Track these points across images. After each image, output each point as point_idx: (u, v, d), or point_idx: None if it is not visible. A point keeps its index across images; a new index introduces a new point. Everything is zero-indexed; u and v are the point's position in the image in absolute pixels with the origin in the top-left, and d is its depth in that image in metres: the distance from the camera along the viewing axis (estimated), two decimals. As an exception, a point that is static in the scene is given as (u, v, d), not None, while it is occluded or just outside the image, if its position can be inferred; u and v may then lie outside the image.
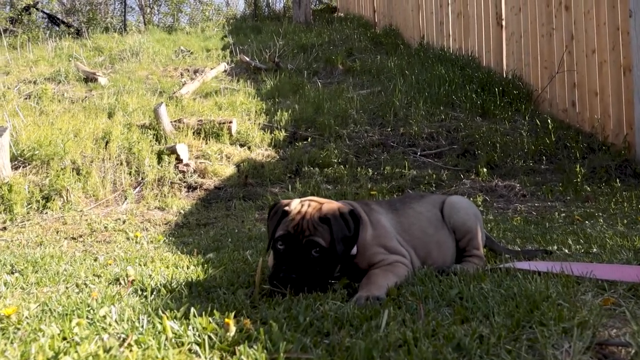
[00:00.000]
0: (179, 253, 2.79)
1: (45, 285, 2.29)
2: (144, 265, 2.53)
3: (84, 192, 5.58)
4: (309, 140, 6.96)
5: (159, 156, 6.09)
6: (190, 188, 5.79)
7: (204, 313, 1.37)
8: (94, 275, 2.35)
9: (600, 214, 3.91)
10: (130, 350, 1.11)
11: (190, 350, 1.17)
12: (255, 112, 7.81)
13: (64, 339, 1.28)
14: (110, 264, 2.62)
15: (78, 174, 5.77)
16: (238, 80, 9.46)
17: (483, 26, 8.77)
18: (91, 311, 1.50)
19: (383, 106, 7.73)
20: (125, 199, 5.54)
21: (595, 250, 2.38)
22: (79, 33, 14.18)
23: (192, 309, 1.37)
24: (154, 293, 1.81)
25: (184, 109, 7.83)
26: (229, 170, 6.15)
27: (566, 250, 2.45)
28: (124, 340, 1.16)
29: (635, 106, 5.78)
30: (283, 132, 7.10)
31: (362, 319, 1.37)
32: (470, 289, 1.56)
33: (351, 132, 7.07)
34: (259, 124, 7.37)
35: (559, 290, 1.50)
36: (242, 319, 1.31)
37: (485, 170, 5.85)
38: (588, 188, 5.21)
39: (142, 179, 5.85)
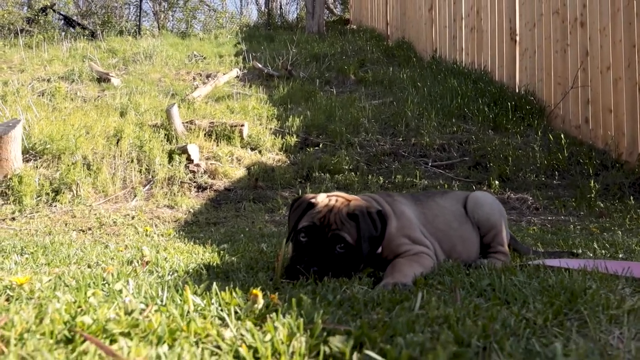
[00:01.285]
0: (192, 244, 2.74)
1: (56, 266, 2.26)
2: (157, 253, 2.49)
3: (93, 187, 5.57)
4: (320, 146, 6.94)
5: (170, 155, 6.08)
6: (200, 188, 5.77)
7: (226, 289, 1.31)
8: (106, 258, 2.30)
9: (616, 228, 3.86)
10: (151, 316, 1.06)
11: (214, 321, 1.11)
12: (267, 117, 7.81)
13: (79, 307, 1.24)
14: (121, 251, 2.58)
15: (88, 169, 5.76)
16: (250, 86, 9.49)
17: (497, 41, 8.78)
18: (106, 285, 1.46)
19: (395, 116, 7.72)
20: (135, 196, 5.52)
21: (621, 255, 2.32)
22: (93, 35, 14.29)
23: (214, 285, 1.31)
24: (171, 273, 1.76)
25: (195, 112, 7.84)
26: (239, 172, 6.13)
27: (591, 254, 2.39)
28: (142, 310, 1.11)
29: (650, 124, 5.74)
30: (294, 137, 7.08)
31: (393, 301, 1.32)
32: (501, 280, 1.51)
33: (362, 141, 7.05)
34: (271, 128, 7.36)
35: (597, 284, 1.44)
36: (269, 294, 1.24)
37: (497, 182, 5.80)
38: (601, 204, 5.16)
39: (152, 177, 5.83)
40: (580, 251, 2.49)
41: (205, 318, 1.14)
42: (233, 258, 2.09)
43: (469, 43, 9.73)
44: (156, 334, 0.94)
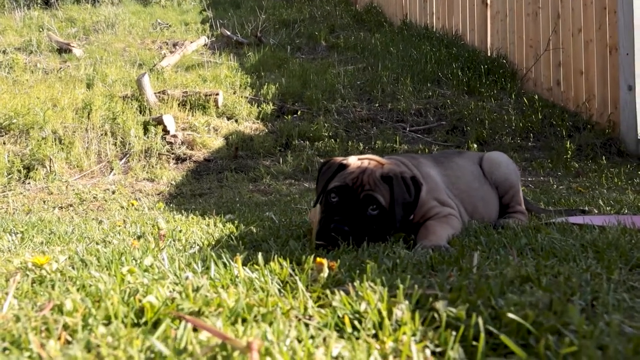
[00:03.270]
0: (192, 215, 2.69)
1: (56, 244, 2.17)
2: (167, 225, 2.41)
3: (67, 162, 5.38)
4: (298, 113, 6.87)
5: (145, 127, 5.91)
6: (179, 160, 5.65)
7: (274, 259, 1.26)
8: (111, 233, 2.22)
9: (597, 187, 3.98)
10: (226, 290, 1.00)
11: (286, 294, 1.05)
12: (240, 85, 7.66)
13: (128, 286, 1.18)
14: (120, 226, 2.50)
15: (60, 143, 5.55)
16: (220, 54, 9.25)
17: (468, 5, 8.77)
18: (134, 261, 1.40)
19: (370, 82, 7.68)
20: (112, 170, 5.36)
21: (626, 211, 2.39)
22: (47, 3, 13.56)
23: (260, 256, 1.24)
24: (192, 246, 1.71)
25: (166, 82, 7.61)
26: (217, 142, 6.02)
27: (596, 211, 2.46)
28: (186, 278, 1.07)
29: (620, 85, 5.88)
30: (270, 105, 6.98)
31: (447, 263, 1.29)
32: (538, 239, 1.52)
33: (339, 107, 7.01)
34: (246, 97, 7.23)
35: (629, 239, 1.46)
36: (327, 261, 1.16)
37: (475, 146, 5.89)
38: (576, 164, 5.31)
39: (128, 150, 5.67)
40: (586, 208, 2.56)
41: (261, 291, 1.08)
42: (252, 228, 2.04)
43: (439, 7, 9.69)
44: (234, 311, 0.89)
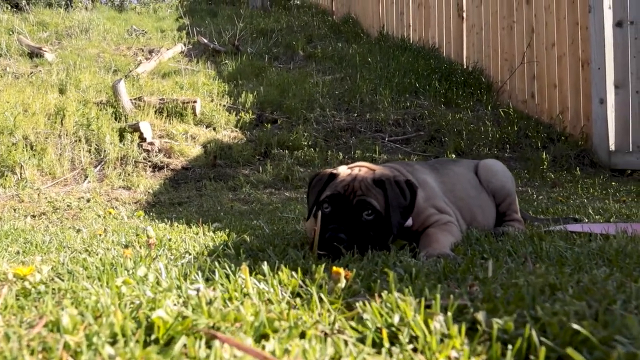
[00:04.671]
0: (177, 224, 2.61)
1: (34, 254, 2.08)
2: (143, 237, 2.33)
3: (39, 169, 5.21)
4: (279, 122, 6.83)
5: (121, 134, 5.78)
6: (156, 168, 5.53)
7: (281, 269, 1.21)
8: (93, 243, 2.13)
9: (575, 197, 4.05)
10: (241, 303, 0.93)
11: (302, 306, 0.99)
12: (218, 93, 7.58)
13: (125, 299, 1.10)
14: (101, 234, 2.41)
15: (32, 149, 5.38)
16: (197, 62, 9.15)
17: (444, 17, 8.90)
18: (126, 271, 1.33)
19: (348, 92, 7.71)
20: (86, 178, 5.21)
21: (614, 219, 2.42)
22: (17, 7, 13.23)
23: (266, 266, 1.19)
24: (187, 256, 1.64)
25: (142, 88, 7.48)
26: (195, 150, 5.93)
27: (586, 220, 2.48)
28: (197, 291, 1.01)
29: (592, 99, 6.03)
30: (249, 114, 6.92)
31: (462, 271, 1.25)
32: (542, 247, 1.51)
33: (318, 116, 7.00)
34: (224, 105, 7.16)
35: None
36: (345, 271, 1.10)
37: (453, 156, 5.94)
38: (552, 175, 5.41)
39: (103, 157, 5.53)
40: (577, 216, 2.58)
41: (276, 303, 1.03)
42: (245, 236, 1.99)
43: (416, 19, 9.82)
44: (252, 326, 0.83)
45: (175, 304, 0.95)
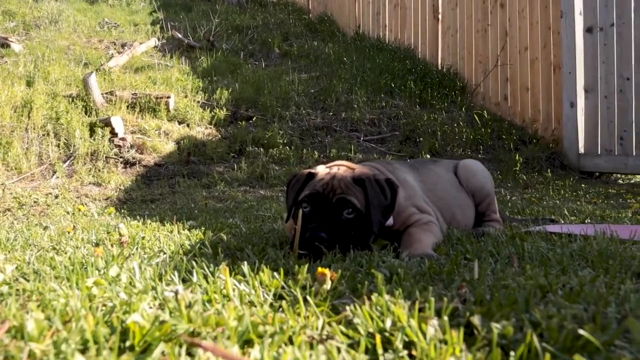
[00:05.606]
0: (150, 222, 2.53)
1: (-2, 252, 1.98)
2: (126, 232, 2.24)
3: (4, 163, 5.03)
4: (254, 120, 6.76)
5: (92, 129, 5.62)
6: (128, 164, 5.40)
7: (262, 269, 1.16)
8: (62, 240, 2.04)
9: (547, 198, 4.11)
10: (222, 306, 0.88)
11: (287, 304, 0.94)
12: (192, 89, 7.46)
13: (97, 301, 1.03)
14: (70, 232, 2.32)
15: (-3, 143, 5.18)
16: (171, 57, 8.99)
17: (420, 19, 8.96)
18: (97, 271, 1.26)
19: (324, 91, 7.68)
20: (54, 173, 5.05)
21: (588, 220, 2.45)
22: (-17, -5, 12.78)
23: (246, 266, 1.14)
24: (164, 255, 1.57)
25: (114, 82, 7.30)
26: (168, 146, 5.81)
27: (562, 221, 2.51)
28: (175, 293, 0.95)
29: (563, 102, 6.15)
30: (224, 110, 6.83)
31: (447, 272, 1.23)
32: (524, 247, 1.51)
33: (294, 115, 6.96)
34: (198, 101, 7.04)
35: (632, 248, 1.46)
36: (329, 272, 1.05)
37: (428, 156, 5.98)
38: (524, 177, 5.49)
39: (72, 152, 5.37)
40: (553, 217, 2.61)
41: (259, 305, 0.98)
42: (221, 235, 1.93)
43: (392, 20, 9.85)
44: (236, 331, 0.78)
45: (151, 307, 0.90)
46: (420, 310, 0.83)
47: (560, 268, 1.24)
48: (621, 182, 5.69)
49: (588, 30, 5.95)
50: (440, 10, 8.50)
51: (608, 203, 3.63)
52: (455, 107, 7.38)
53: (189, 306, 0.87)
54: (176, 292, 0.89)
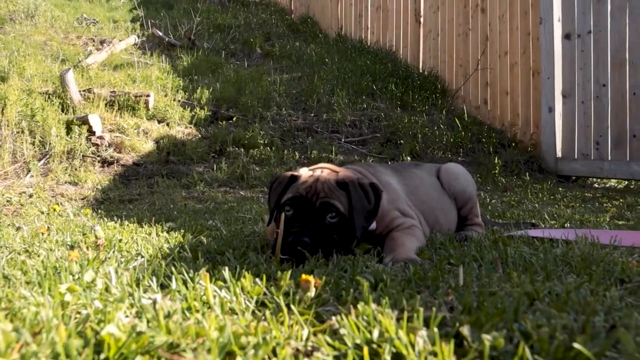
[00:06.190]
0: (127, 223, 2.47)
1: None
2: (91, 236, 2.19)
3: (-24, 161, 4.89)
4: (234, 119, 6.71)
5: (68, 127, 5.50)
6: (106, 163, 5.31)
7: (244, 275, 1.12)
8: (35, 242, 1.98)
9: (526, 201, 4.16)
10: (202, 314, 0.84)
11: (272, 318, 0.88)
12: (172, 88, 7.36)
13: (70, 309, 0.98)
14: (44, 233, 2.25)
15: (-31, 141, 5.04)
16: (151, 55, 8.87)
17: (402, 22, 9.00)
18: (71, 276, 1.21)
19: (305, 92, 7.66)
20: (29, 172, 4.93)
21: (568, 225, 2.48)
22: (-44, -12, 12.45)
23: (227, 272, 1.10)
24: (141, 258, 1.53)
25: (92, 80, 7.17)
26: (147, 146, 5.73)
27: (543, 225, 2.53)
28: (153, 303, 0.91)
29: (541, 107, 6.24)
30: (204, 110, 6.76)
31: (433, 278, 1.21)
32: (507, 252, 1.50)
33: (275, 115, 6.92)
34: (178, 100, 6.96)
35: (614, 254, 1.47)
36: (314, 279, 1.03)
37: (409, 159, 6.00)
38: (503, 180, 5.54)
39: (48, 150, 5.25)
40: (534, 221, 2.63)
41: (240, 313, 0.94)
42: (201, 238, 1.89)
43: (374, 22, 9.88)
44: (217, 343, 0.74)
45: (127, 316, 0.86)
46: (408, 319, 0.81)
47: (545, 274, 1.24)
48: (597, 186, 5.79)
49: (566, 36, 6.04)
50: (422, 14, 8.55)
51: (586, 207, 3.69)
52: (436, 110, 7.43)
53: (168, 316, 0.83)
54: (154, 301, 0.85)
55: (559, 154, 6.07)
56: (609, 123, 5.60)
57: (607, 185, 5.77)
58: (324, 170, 1.85)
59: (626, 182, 5.69)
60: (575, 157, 5.92)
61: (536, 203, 3.91)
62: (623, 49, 5.44)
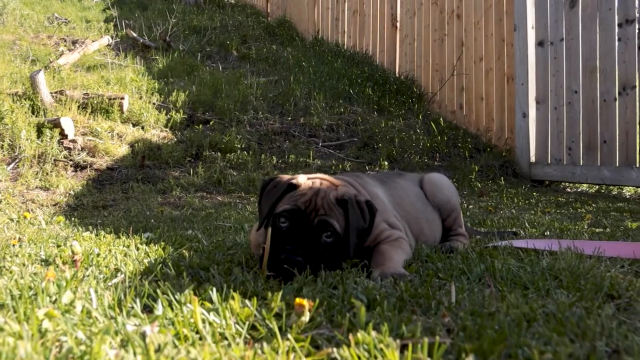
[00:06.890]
0: (103, 233, 2.40)
1: None
2: (64, 245, 2.12)
3: (-58, 166, 4.72)
4: (211, 123, 6.63)
5: (39, 130, 5.36)
6: (79, 167, 5.18)
7: (232, 296, 1.07)
8: (6, 256, 1.90)
9: (502, 206, 4.21)
10: (192, 344, 0.80)
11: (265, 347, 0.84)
12: (147, 90, 7.25)
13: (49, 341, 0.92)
14: (15, 245, 2.17)
15: None
16: (125, 56, 8.72)
17: (378, 26, 9.05)
18: (48, 298, 1.15)
19: (282, 95, 7.63)
20: (-2, 176, 4.78)
21: (548, 233, 2.51)
22: None
23: (215, 293, 1.05)
24: (121, 275, 1.47)
25: (64, 81, 7.01)
26: (122, 150, 5.62)
27: (523, 234, 2.55)
28: (142, 335, 0.86)
29: (516, 112, 6.35)
30: (180, 113, 6.67)
31: (426, 297, 1.19)
32: (494, 265, 1.50)
33: (252, 119, 6.87)
34: (153, 103, 6.85)
35: (602, 267, 1.48)
36: (306, 301, 0.98)
37: (386, 163, 6.03)
38: (479, 184, 5.61)
39: (17, 154, 5.10)
40: (515, 230, 2.65)
41: (231, 339, 0.90)
42: (183, 251, 1.83)
43: (351, 26, 9.91)
44: None
45: (113, 348, 0.82)
46: (407, 346, 0.80)
47: (535, 289, 1.24)
48: (569, 190, 5.91)
49: (540, 43, 6.16)
50: (398, 19, 8.61)
51: (561, 213, 3.75)
52: (412, 115, 7.49)
53: (159, 350, 0.80)
54: (143, 334, 0.81)
55: (532, 158, 6.18)
56: (580, 129, 5.73)
57: (579, 190, 5.90)
58: (323, 183, 1.80)
59: (597, 187, 5.82)
60: (549, 162, 6.04)
61: (513, 209, 3.96)
62: (594, 57, 5.57)
